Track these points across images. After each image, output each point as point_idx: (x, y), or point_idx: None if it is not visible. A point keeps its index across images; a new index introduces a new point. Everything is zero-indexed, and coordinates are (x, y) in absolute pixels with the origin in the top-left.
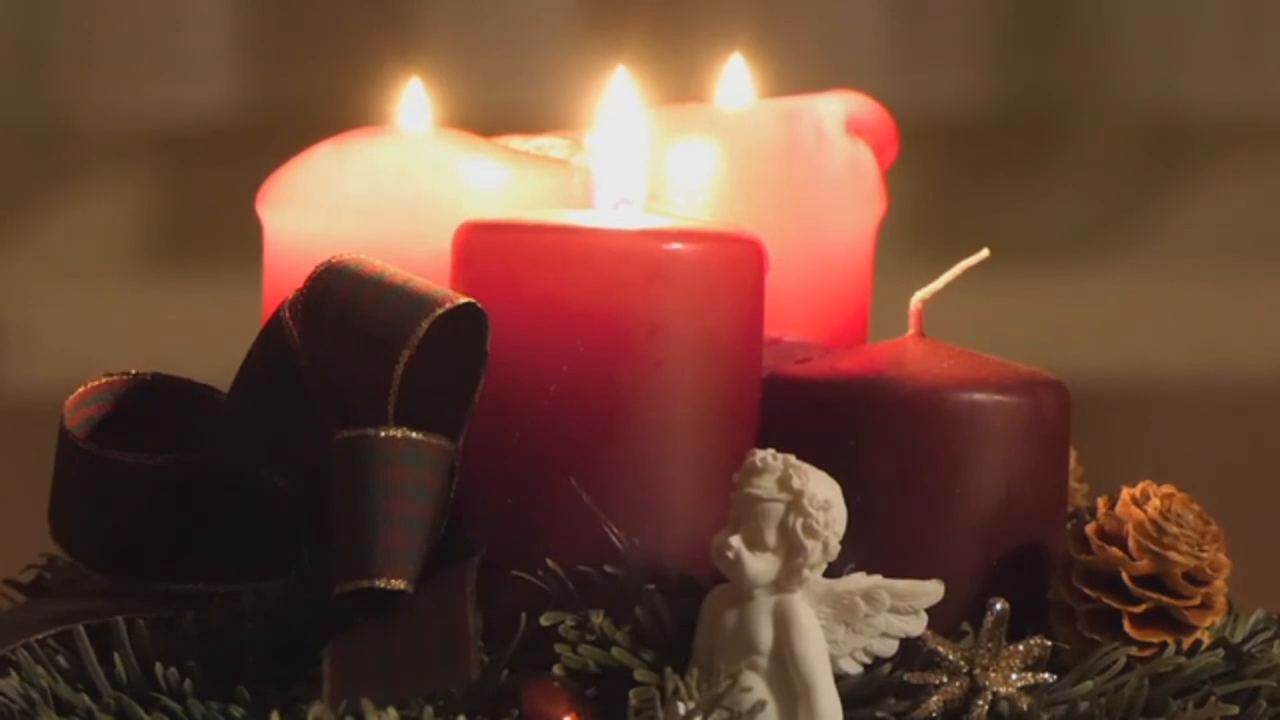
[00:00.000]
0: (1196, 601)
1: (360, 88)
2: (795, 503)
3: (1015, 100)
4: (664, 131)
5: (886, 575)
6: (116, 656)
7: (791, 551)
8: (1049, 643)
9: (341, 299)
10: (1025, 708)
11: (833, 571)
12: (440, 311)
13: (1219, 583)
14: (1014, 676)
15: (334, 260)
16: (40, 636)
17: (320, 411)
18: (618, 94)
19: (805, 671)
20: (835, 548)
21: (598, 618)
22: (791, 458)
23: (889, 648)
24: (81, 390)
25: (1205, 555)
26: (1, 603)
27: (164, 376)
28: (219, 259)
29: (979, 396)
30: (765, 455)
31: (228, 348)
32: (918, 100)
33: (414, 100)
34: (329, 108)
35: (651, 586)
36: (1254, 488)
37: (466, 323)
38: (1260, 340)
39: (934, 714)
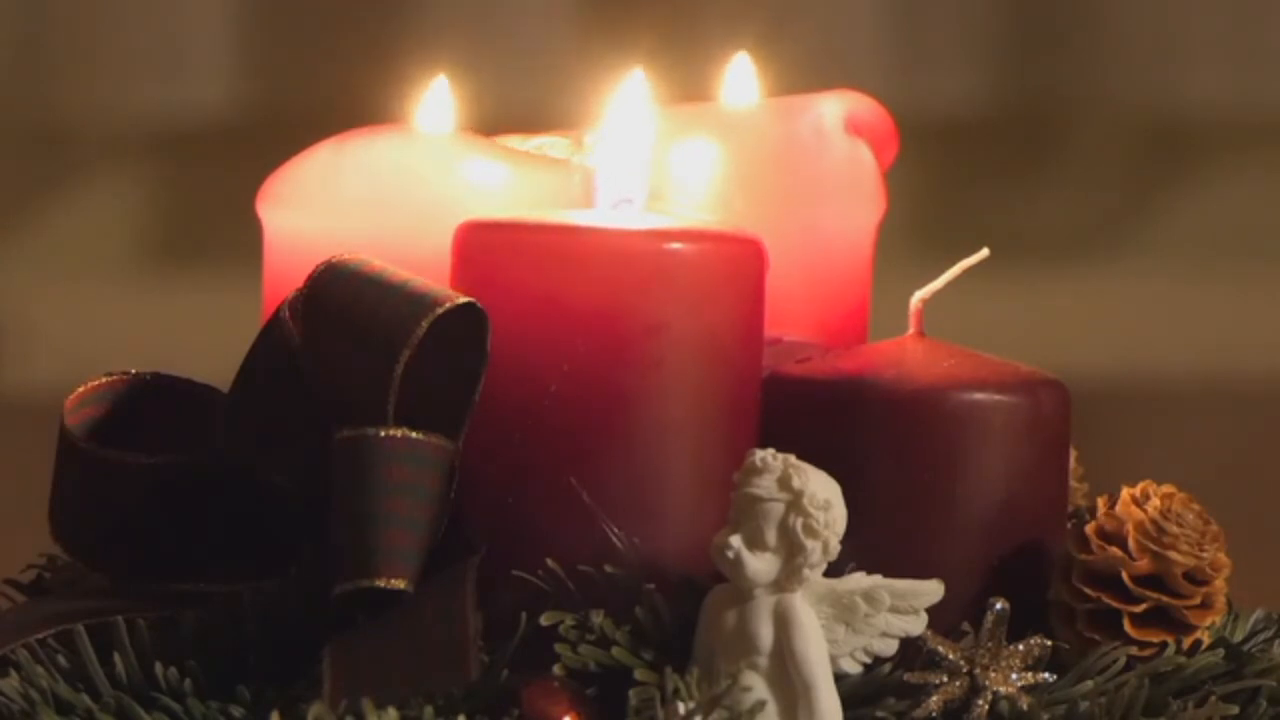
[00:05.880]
0: (1196, 601)
1: (361, 87)
2: (795, 502)
3: (1015, 100)
4: (665, 131)
5: (886, 575)
6: (116, 656)
7: (792, 551)
8: (1049, 643)
9: (341, 299)
10: (1025, 708)
11: (833, 571)
12: (440, 311)
13: (1219, 582)
14: (1014, 676)
15: (334, 260)
16: (40, 636)
17: (320, 411)
18: (628, 95)
19: (805, 671)
20: (835, 547)
21: (598, 618)
22: (791, 458)
23: (889, 647)
24: (81, 390)
25: (1205, 555)
26: (1, 603)
27: (164, 376)
28: (219, 259)
29: (979, 396)
30: (765, 455)
31: (228, 348)
32: (918, 100)
33: (437, 100)
34: (329, 107)
35: (651, 586)
36: (1254, 488)
37: (466, 323)
38: (1260, 340)
39: (934, 714)
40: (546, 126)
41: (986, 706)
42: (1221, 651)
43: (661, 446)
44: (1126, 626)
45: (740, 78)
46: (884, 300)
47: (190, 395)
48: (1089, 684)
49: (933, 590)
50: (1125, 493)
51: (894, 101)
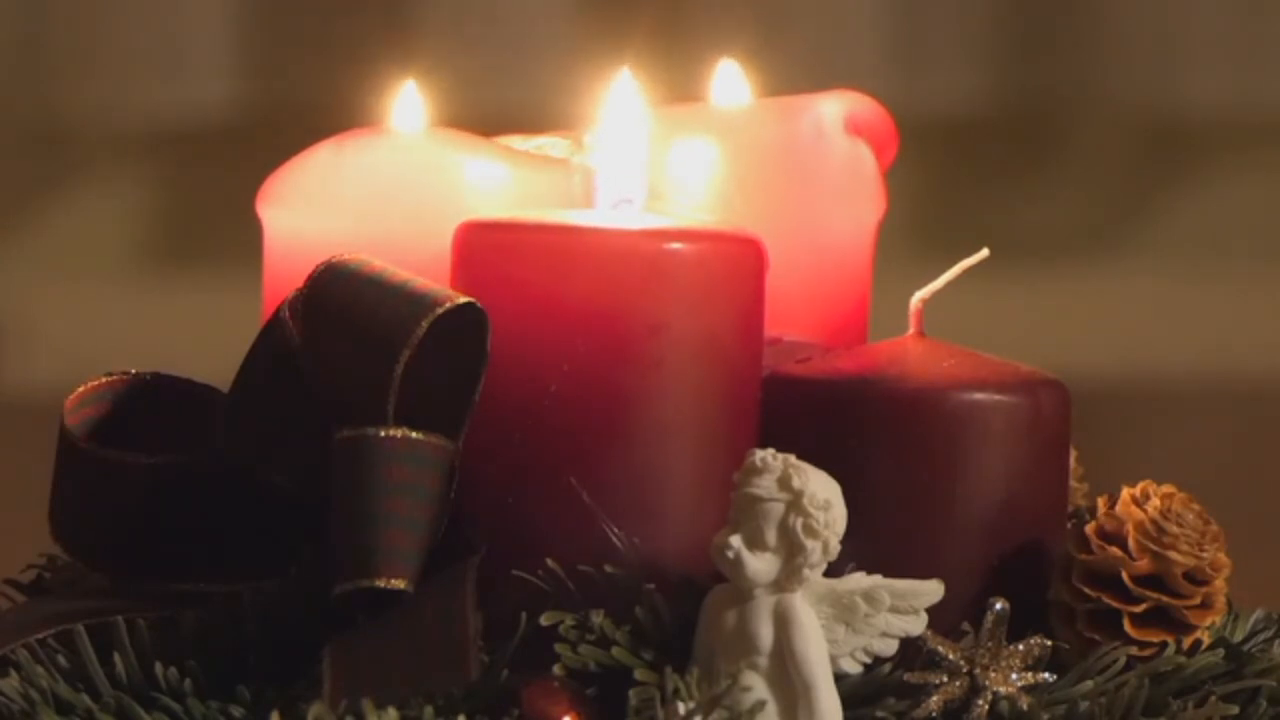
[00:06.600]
0: (1196, 601)
1: (360, 87)
2: (795, 502)
3: (1015, 100)
4: (664, 131)
5: (886, 575)
6: (116, 656)
7: (792, 551)
8: (1049, 643)
9: (341, 299)
10: (1025, 708)
11: (833, 571)
12: (440, 311)
13: (1219, 582)
14: (1014, 676)
15: (334, 260)
16: (40, 636)
17: (320, 411)
18: (620, 94)
19: (805, 671)
20: (835, 547)
21: (598, 618)
22: (791, 458)
23: (889, 647)
24: (81, 390)
25: (1205, 555)
26: (1, 603)
27: (164, 376)
28: (219, 259)
29: (979, 396)
30: (765, 455)
31: (228, 348)
32: (918, 100)
33: (409, 102)
34: (329, 108)
35: (651, 586)
36: (1254, 488)
37: (466, 323)
38: (1260, 340)
39: (934, 714)
40: (546, 126)
41: (986, 706)
42: (1221, 651)
43: (661, 446)
44: (1126, 626)
45: (728, 84)
46: (884, 300)
47: (190, 395)
48: (1089, 684)
49: (933, 590)
50: (1125, 493)
51: (894, 101)
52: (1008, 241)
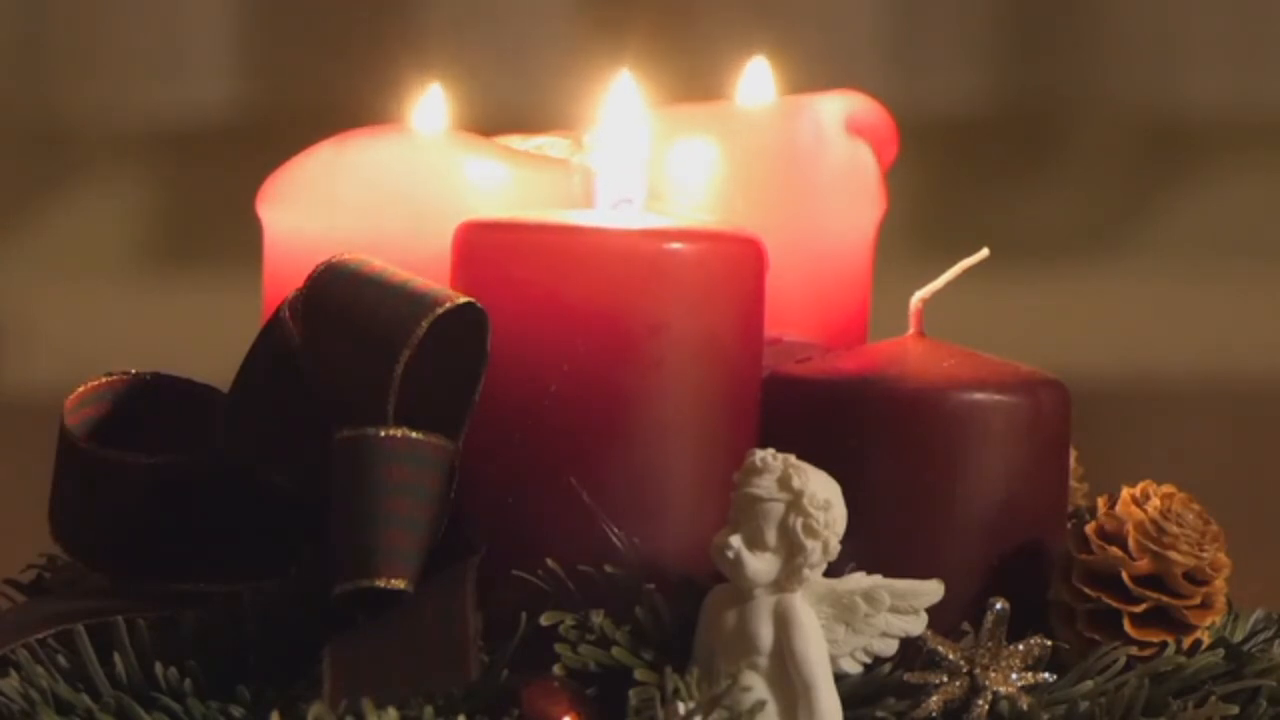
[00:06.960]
0: (1196, 601)
1: (361, 87)
2: (795, 502)
3: (1015, 100)
4: (664, 131)
5: (886, 575)
6: (116, 656)
7: (792, 551)
8: (1049, 643)
9: (341, 299)
10: (1025, 708)
11: (833, 571)
12: (440, 311)
13: (1219, 582)
14: (1014, 676)
15: (334, 260)
16: (40, 636)
17: (320, 411)
18: (620, 94)
19: (805, 671)
20: (835, 547)
21: (598, 618)
22: (791, 458)
23: (889, 647)
24: (81, 390)
25: (1205, 555)
26: (1, 603)
27: (164, 376)
28: (219, 259)
29: (979, 396)
30: (765, 455)
31: (228, 348)
32: (918, 100)
33: (432, 105)
34: (329, 108)
35: (651, 586)
36: (1254, 488)
37: (466, 322)
38: (1260, 340)
39: (934, 714)
40: (546, 126)
41: (986, 706)
42: (1221, 651)
43: (661, 446)
44: (1126, 626)
45: (756, 81)
46: (884, 300)
47: (190, 395)
48: (1089, 684)
49: (933, 590)
50: (1125, 493)
51: (894, 101)
52: (1008, 241)
